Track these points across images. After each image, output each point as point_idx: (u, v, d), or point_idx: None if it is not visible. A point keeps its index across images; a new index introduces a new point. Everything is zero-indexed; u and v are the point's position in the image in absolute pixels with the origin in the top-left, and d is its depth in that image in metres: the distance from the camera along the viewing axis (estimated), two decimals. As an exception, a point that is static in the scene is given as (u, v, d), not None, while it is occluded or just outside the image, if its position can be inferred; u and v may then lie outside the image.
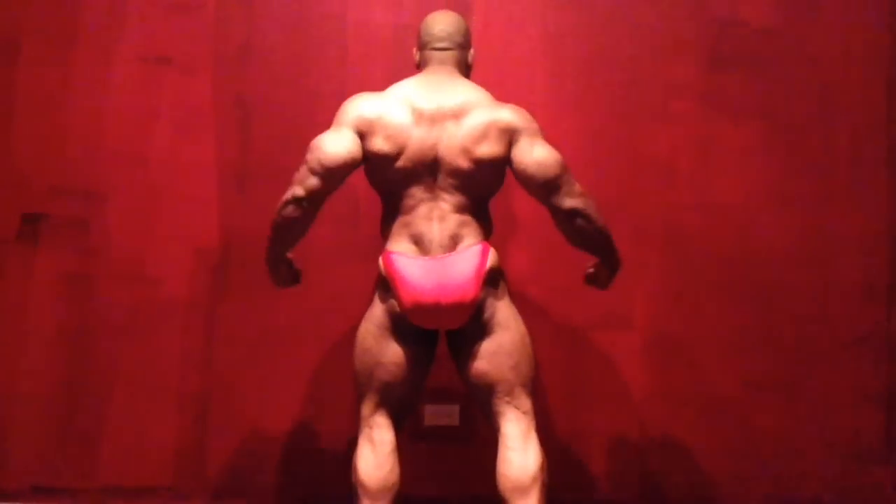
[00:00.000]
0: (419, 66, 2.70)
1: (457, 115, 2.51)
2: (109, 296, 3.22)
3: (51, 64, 3.27)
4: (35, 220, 3.24)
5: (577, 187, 2.50)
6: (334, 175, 2.47)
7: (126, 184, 3.26)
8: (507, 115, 2.53)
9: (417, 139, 2.49)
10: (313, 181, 2.45)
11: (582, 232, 2.51)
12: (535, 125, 2.55)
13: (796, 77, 3.35)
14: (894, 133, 3.34)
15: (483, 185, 2.55)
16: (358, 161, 2.50)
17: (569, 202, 2.48)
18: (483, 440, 2.99)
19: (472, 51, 2.72)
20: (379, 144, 2.51)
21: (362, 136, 2.51)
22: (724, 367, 3.27)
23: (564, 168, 2.49)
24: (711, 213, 3.31)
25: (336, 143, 2.48)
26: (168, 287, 3.24)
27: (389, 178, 2.54)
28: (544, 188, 2.49)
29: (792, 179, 3.32)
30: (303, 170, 2.47)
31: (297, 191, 2.45)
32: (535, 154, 2.50)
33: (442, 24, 2.67)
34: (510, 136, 2.52)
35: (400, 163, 2.50)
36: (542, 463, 2.47)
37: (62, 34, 3.28)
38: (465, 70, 2.70)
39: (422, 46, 2.68)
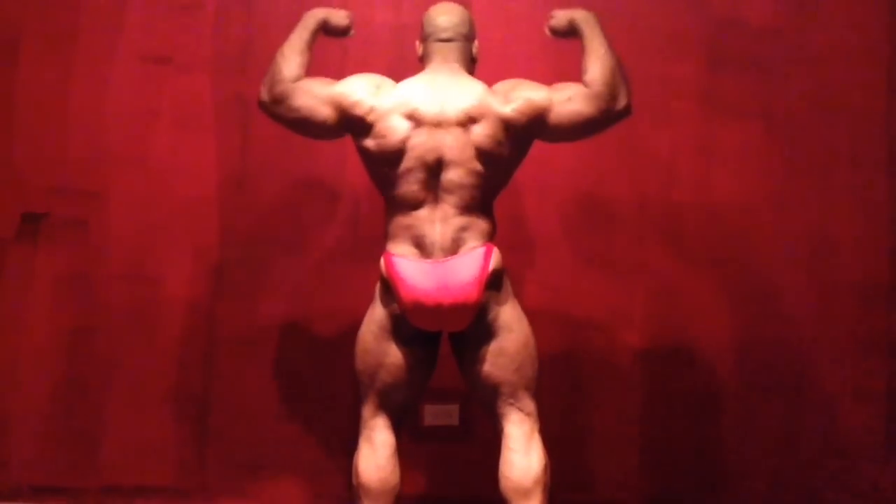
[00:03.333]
0: (422, 60, 2.65)
1: (462, 120, 2.48)
2: (109, 296, 3.22)
3: (51, 64, 3.27)
4: (35, 220, 3.24)
5: (598, 87, 2.52)
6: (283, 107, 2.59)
7: (126, 184, 3.26)
8: (515, 114, 2.51)
9: (416, 144, 2.47)
10: (267, 97, 2.60)
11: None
12: (534, 96, 2.53)
13: (796, 77, 3.34)
14: (894, 133, 3.34)
15: (489, 186, 2.53)
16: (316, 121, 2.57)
17: (621, 102, 2.54)
18: (483, 440, 2.99)
19: (476, 42, 2.66)
20: (373, 147, 2.51)
21: (344, 115, 2.54)
22: (724, 367, 3.27)
23: (590, 101, 2.52)
24: (711, 213, 3.31)
25: (306, 98, 2.56)
26: (168, 287, 3.24)
27: (389, 180, 2.52)
28: (601, 123, 2.56)
29: (792, 179, 3.32)
30: (271, 74, 2.59)
31: (262, 94, 2.61)
32: (569, 115, 2.52)
33: (446, 14, 2.61)
34: (530, 129, 2.53)
35: (398, 166, 2.49)
36: (545, 465, 2.47)
37: (62, 34, 3.28)
38: (470, 63, 2.65)
39: (425, 38, 2.63)
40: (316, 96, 2.56)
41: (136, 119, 3.28)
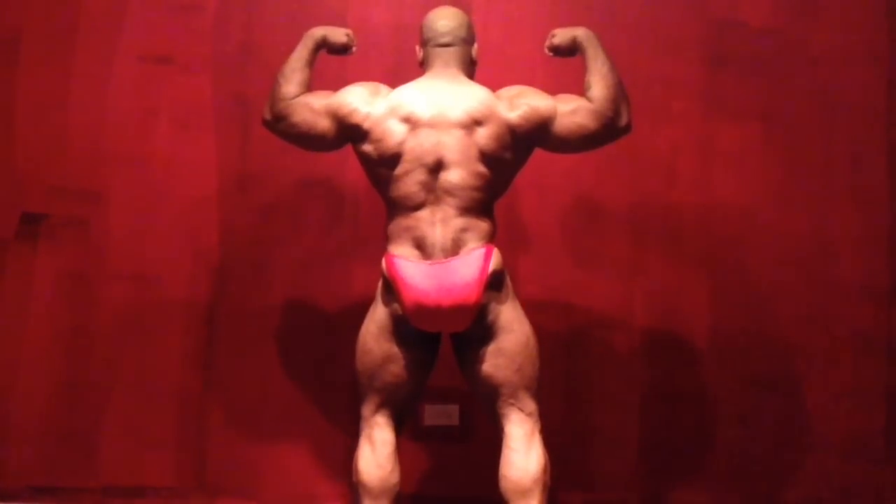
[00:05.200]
0: (422, 64, 2.67)
1: (465, 122, 2.49)
2: (109, 296, 3.22)
3: (51, 64, 3.27)
4: (35, 220, 3.24)
5: (602, 104, 2.55)
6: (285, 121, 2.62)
7: (126, 184, 3.26)
8: (519, 120, 2.52)
9: (413, 146, 2.48)
10: (269, 115, 2.64)
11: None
12: (539, 104, 2.54)
13: (796, 77, 3.35)
14: (894, 133, 3.35)
15: (490, 188, 2.54)
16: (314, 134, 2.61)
17: (623, 120, 2.57)
18: (483, 440, 2.99)
19: (476, 46, 2.69)
20: (372, 151, 2.53)
21: (342, 124, 2.56)
22: (724, 367, 3.27)
23: (594, 116, 2.54)
24: (711, 213, 3.31)
25: (305, 112, 2.59)
26: (168, 287, 3.24)
27: (388, 182, 2.53)
28: (602, 138, 2.59)
29: (792, 179, 3.32)
30: (273, 93, 2.62)
31: (265, 114, 2.66)
32: (572, 127, 2.54)
33: (444, 19, 2.64)
34: (533, 136, 2.55)
35: (396, 169, 2.51)
36: (545, 465, 2.47)
37: (62, 34, 3.28)
38: (470, 66, 2.67)
39: (424, 43, 2.65)
40: (314, 110, 2.59)
41: (136, 119, 3.28)
